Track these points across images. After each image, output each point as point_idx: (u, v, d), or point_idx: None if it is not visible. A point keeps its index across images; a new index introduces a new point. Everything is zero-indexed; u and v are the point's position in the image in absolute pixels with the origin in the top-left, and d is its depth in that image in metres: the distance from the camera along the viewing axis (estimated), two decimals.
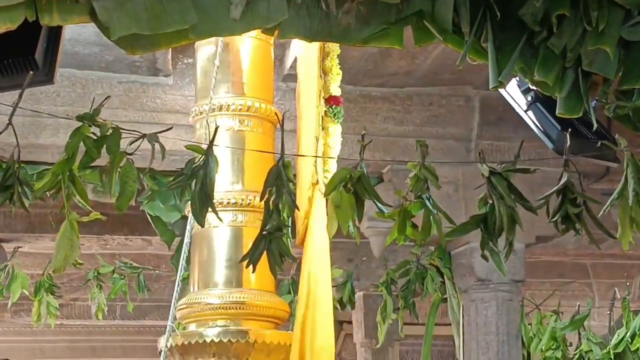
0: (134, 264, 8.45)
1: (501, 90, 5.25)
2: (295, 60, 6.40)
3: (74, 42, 6.21)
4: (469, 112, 7.22)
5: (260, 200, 3.59)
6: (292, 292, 7.93)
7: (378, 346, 8.54)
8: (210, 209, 3.46)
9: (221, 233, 5.34)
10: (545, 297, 8.32)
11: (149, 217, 7.35)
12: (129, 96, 6.75)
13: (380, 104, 7.09)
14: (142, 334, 12.54)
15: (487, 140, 7.20)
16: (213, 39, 5.36)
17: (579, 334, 7.37)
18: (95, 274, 8.34)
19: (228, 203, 5.31)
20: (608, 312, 7.57)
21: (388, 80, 6.94)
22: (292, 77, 6.73)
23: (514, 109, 5.61)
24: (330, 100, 5.17)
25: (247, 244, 5.07)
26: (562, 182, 3.53)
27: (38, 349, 13.13)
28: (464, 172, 7.04)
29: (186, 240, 5.31)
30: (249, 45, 5.48)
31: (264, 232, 3.53)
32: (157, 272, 9.09)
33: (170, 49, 6.27)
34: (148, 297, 8.78)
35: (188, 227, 5.35)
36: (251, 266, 3.56)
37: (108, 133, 3.47)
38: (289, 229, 4.86)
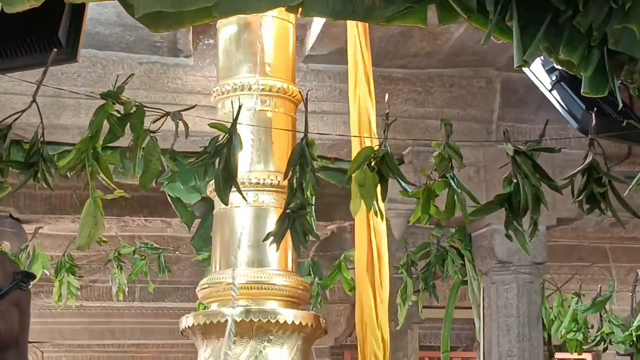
0: (155, 245, 8.47)
1: (525, 70, 5.22)
2: (316, 40, 6.40)
3: (95, 22, 6.20)
4: (490, 93, 7.19)
5: (284, 179, 3.58)
6: (312, 273, 7.94)
7: (397, 328, 8.53)
8: (234, 188, 3.45)
9: (243, 213, 5.34)
10: (564, 280, 8.30)
11: (169, 198, 7.36)
12: (149, 77, 6.73)
13: (401, 85, 7.07)
14: (160, 316, 12.55)
15: (508, 122, 7.17)
16: (234, 18, 5.35)
17: (601, 316, 7.35)
18: (116, 254, 8.37)
19: (250, 183, 5.31)
20: (630, 294, 7.55)
21: (409, 62, 6.92)
22: (313, 58, 6.72)
23: (535, 90, 5.58)
24: None
25: (270, 224, 5.08)
26: (587, 161, 3.51)
27: (57, 331, 13.16)
28: (484, 154, 7.02)
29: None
30: (271, 26, 5.46)
31: (288, 211, 3.53)
32: (177, 253, 9.11)
33: (192, 28, 6.26)
34: (168, 278, 8.79)
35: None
36: (274, 245, 3.56)
37: (132, 111, 3.46)
38: (313, 207, 4.87)
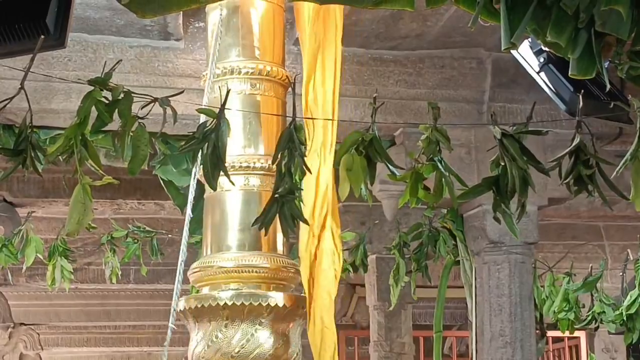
0: (147, 228, 8.48)
1: (513, 52, 5.23)
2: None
3: (85, 6, 6.19)
4: (481, 74, 7.19)
5: (272, 163, 3.59)
6: None
7: (391, 309, 8.56)
8: (222, 173, 3.46)
9: (234, 197, 5.35)
10: (559, 259, 8.32)
11: (161, 181, 7.37)
12: (140, 60, 6.73)
13: (392, 67, 7.06)
14: (156, 297, 12.60)
15: (500, 102, 7.18)
16: (223, 2, 5.34)
17: (592, 295, 7.37)
18: (109, 238, 8.38)
19: (240, 167, 5.32)
20: (620, 273, 7.57)
21: (400, 43, 6.91)
22: None
23: (526, 71, 5.59)
24: None
25: (260, 207, 5.08)
26: (574, 143, 3.52)
27: (53, 313, 13.21)
28: (476, 135, 7.03)
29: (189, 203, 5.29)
30: (260, 8, 5.46)
31: (276, 195, 3.54)
32: (170, 236, 9.13)
33: (181, 12, 6.25)
34: (161, 261, 8.82)
35: (191, 190, 5.34)
36: (264, 229, 3.57)
37: (120, 97, 3.47)
38: (301, 191, 4.87)
